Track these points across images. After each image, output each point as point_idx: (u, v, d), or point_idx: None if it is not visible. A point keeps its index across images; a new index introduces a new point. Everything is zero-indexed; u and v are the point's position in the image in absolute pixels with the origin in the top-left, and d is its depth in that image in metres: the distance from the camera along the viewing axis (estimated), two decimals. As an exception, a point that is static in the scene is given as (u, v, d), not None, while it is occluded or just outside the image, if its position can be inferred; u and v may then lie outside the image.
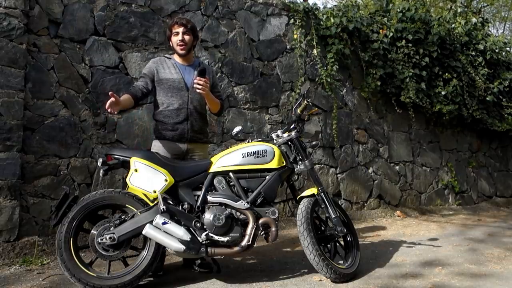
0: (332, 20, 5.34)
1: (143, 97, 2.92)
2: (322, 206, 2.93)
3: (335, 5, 6.32)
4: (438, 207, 6.41)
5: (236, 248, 2.62)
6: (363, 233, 4.49)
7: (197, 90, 2.76)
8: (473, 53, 6.63)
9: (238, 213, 2.70)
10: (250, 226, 2.65)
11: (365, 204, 5.69)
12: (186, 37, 2.90)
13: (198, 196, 2.70)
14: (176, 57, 3.00)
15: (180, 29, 2.89)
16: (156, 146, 2.94)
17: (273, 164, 2.82)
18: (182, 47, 2.91)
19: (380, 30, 5.77)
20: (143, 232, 2.47)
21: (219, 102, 3.03)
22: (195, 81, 2.75)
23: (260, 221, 2.68)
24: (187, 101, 2.91)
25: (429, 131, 6.59)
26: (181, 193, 2.69)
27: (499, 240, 4.23)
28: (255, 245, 2.74)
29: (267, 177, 2.81)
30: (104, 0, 3.87)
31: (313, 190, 2.94)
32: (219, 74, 4.58)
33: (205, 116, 3.07)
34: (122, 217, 2.56)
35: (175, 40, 2.91)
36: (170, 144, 2.91)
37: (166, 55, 3.05)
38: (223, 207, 2.67)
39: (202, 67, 2.82)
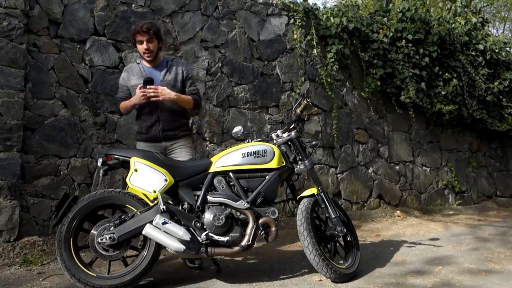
0: (332, 20, 5.34)
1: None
2: (322, 206, 2.93)
3: (335, 5, 6.33)
4: (438, 207, 6.41)
5: (236, 248, 2.62)
6: (363, 233, 4.49)
7: (151, 99, 2.80)
8: (473, 53, 6.62)
9: (238, 213, 2.70)
10: (250, 226, 2.65)
11: (365, 204, 5.69)
12: (151, 45, 2.93)
13: (198, 196, 2.70)
14: (144, 61, 3.05)
15: (144, 38, 2.90)
16: (139, 148, 3.04)
17: (273, 164, 2.82)
18: (148, 55, 2.96)
19: (380, 30, 5.76)
20: (143, 232, 2.48)
21: (190, 98, 3.00)
22: (138, 91, 2.81)
23: (260, 221, 2.69)
24: (157, 103, 2.91)
25: (429, 131, 6.59)
26: (181, 193, 2.70)
27: (499, 240, 4.23)
28: (255, 245, 2.74)
29: (267, 177, 2.81)
30: (104, 0, 3.87)
31: (313, 190, 2.94)
32: (219, 74, 4.58)
33: (180, 112, 3.06)
34: (122, 217, 2.57)
35: (141, 48, 2.95)
36: (147, 144, 3.01)
37: (137, 61, 3.10)
38: (223, 207, 2.67)
39: (147, 78, 2.83)
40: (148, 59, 2.98)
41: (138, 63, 3.06)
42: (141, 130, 3.04)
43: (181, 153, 3.03)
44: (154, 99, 2.81)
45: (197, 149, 4.23)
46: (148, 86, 2.79)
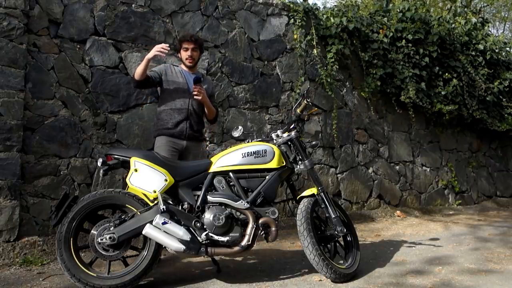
0: (332, 20, 5.34)
1: (150, 82, 3.15)
2: (322, 206, 2.93)
3: (335, 5, 6.32)
4: (438, 207, 6.41)
5: (236, 248, 2.62)
6: (363, 233, 4.49)
7: (195, 97, 3.07)
8: (473, 53, 6.62)
9: (238, 213, 2.70)
10: (250, 226, 2.65)
11: (365, 204, 5.69)
12: (194, 53, 3.24)
13: (198, 196, 2.70)
14: (183, 66, 3.31)
15: (190, 46, 3.20)
16: (159, 142, 3.15)
17: (273, 164, 2.82)
18: (190, 61, 3.24)
19: (380, 30, 5.76)
20: (143, 232, 2.48)
21: (215, 111, 3.34)
22: (193, 89, 3.06)
23: (260, 221, 2.69)
24: (188, 103, 3.16)
25: (429, 131, 6.59)
26: (181, 193, 2.70)
27: (500, 240, 4.23)
28: (255, 245, 2.73)
29: (267, 177, 2.81)
30: (104, 0, 3.87)
31: (313, 190, 2.94)
32: (219, 74, 4.58)
33: (201, 118, 3.34)
34: (122, 217, 2.57)
35: (185, 55, 3.23)
36: (170, 140, 3.13)
37: (174, 64, 3.36)
38: (223, 207, 2.67)
39: (197, 76, 3.17)
40: (189, 65, 3.24)
41: (177, 66, 3.30)
42: (167, 125, 3.14)
43: (194, 159, 3.19)
44: (196, 97, 3.07)
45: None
46: (194, 86, 3.06)
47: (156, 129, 3.22)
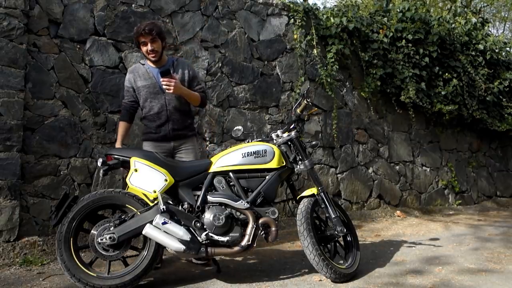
0: (332, 20, 5.34)
1: (136, 109, 3.13)
2: (322, 206, 2.93)
3: (335, 5, 6.33)
4: (438, 207, 6.41)
5: (236, 248, 2.62)
6: (363, 233, 4.49)
7: (166, 91, 2.90)
8: (473, 53, 6.62)
9: (238, 213, 2.70)
10: (250, 226, 2.65)
11: (365, 204, 5.69)
12: (155, 45, 2.94)
13: (198, 196, 2.70)
14: (149, 62, 3.06)
15: (147, 39, 2.91)
16: (146, 148, 3.06)
17: (273, 164, 2.82)
18: (153, 55, 2.96)
19: (380, 30, 5.76)
20: (143, 232, 2.48)
21: (197, 94, 3.08)
22: (162, 83, 2.87)
23: (260, 221, 2.69)
24: (165, 103, 3.01)
25: (429, 131, 6.59)
26: (181, 193, 2.70)
27: (500, 240, 4.23)
28: (255, 245, 2.74)
29: (267, 177, 2.81)
30: (104, 0, 3.87)
31: (313, 190, 2.94)
32: (219, 74, 4.58)
33: (187, 112, 3.14)
34: (122, 217, 2.57)
35: (145, 49, 2.96)
36: (156, 144, 3.03)
37: (141, 61, 3.13)
38: (223, 207, 2.67)
39: (163, 68, 2.89)
40: (153, 59, 2.98)
41: (143, 64, 3.07)
42: (150, 130, 3.05)
43: (188, 155, 3.07)
44: (167, 91, 2.88)
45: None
46: (162, 79, 2.84)
47: (142, 133, 3.19)
